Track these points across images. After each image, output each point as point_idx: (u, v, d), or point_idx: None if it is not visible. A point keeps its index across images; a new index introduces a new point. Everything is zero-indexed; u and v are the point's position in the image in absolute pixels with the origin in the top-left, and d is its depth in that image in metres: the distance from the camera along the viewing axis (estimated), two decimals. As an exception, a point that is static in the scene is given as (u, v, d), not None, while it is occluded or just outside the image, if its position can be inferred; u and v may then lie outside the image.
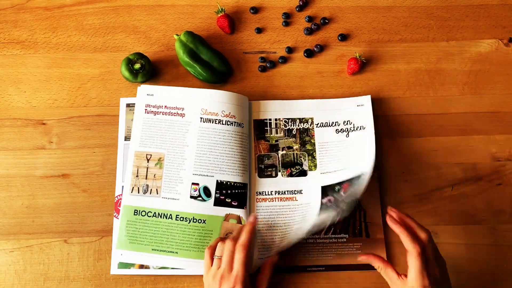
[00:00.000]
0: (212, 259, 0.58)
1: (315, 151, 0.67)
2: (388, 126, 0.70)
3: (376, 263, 0.58)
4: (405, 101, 0.71)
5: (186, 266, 0.61)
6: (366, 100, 0.69)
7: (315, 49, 0.73)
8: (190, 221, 0.62)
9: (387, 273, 0.56)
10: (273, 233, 0.63)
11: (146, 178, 0.64)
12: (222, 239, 0.59)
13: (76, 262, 0.63)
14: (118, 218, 0.64)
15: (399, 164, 0.68)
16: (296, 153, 0.67)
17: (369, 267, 0.60)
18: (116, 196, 0.65)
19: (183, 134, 0.65)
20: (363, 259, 0.59)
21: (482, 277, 0.63)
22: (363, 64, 0.72)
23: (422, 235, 0.54)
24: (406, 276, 0.53)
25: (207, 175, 0.64)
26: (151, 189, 0.64)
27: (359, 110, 0.69)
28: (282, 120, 0.68)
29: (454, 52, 0.73)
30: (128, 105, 0.69)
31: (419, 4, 0.76)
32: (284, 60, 0.72)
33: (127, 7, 0.75)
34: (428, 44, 0.74)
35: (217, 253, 0.57)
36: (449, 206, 0.66)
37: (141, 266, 0.62)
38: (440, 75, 0.72)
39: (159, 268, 0.62)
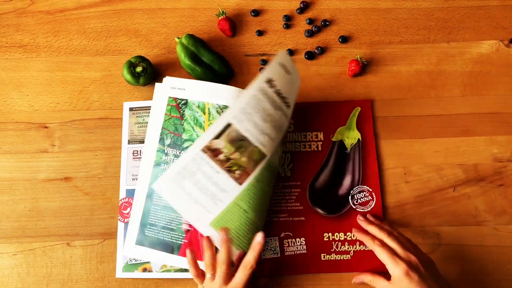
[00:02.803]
0: (200, 276, 0.57)
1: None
2: (389, 127, 0.70)
3: (366, 279, 0.60)
4: (406, 102, 0.71)
5: None
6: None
7: (316, 51, 0.73)
8: None
9: (377, 282, 0.58)
10: None
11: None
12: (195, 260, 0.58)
13: (79, 265, 0.63)
14: (123, 222, 0.64)
15: (400, 166, 0.68)
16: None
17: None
18: (120, 200, 0.65)
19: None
20: (356, 281, 0.62)
21: (484, 278, 0.63)
22: (364, 66, 0.72)
23: (380, 235, 0.59)
24: None
25: None
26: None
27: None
28: None
29: (455, 53, 0.74)
30: (131, 109, 0.69)
31: (419, 5, 0.76)
32: (285, 62, 0.73)
33: (129, 10, 0.75)
34: (428, 45, 0.74)
35: (207, 270, 0.56)
36: (451, 207, 0.66)
37: (144, 270, 0.62)
38: (441, 76, 0.72)
39: (162, 272, 0.62)
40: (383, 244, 0.57)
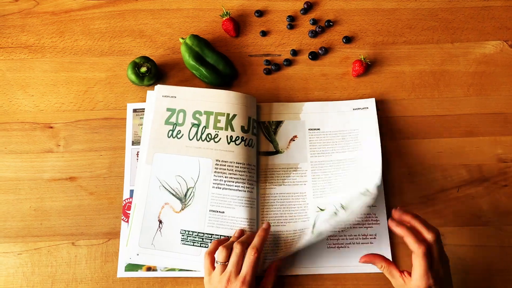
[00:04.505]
0: (212, 264, 0.58)
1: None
2: (393, 127, 0.70)
3: (379, 263, 0.57)
4: (410, 102, 0.71)
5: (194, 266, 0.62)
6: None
7: (319, 51, 0.73)
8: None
9: (390, 271, 0.56)
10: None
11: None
12: (222, 243, 0.58)
13: (83, 265, 0.64)
14: (126, 222, 0.64)
15: (404, 166, 0.68)
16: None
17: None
18: (124, 200, 0.66)
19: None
20: (365, 260, 0.58)
21: (488, 278, 0.63)
22: (367, 66, 0.72)
23: (429, 236, 0.53)
24: (409, 273, 0.53)
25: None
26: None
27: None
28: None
29: (458, 53, 0.74)
30: (135, 110, 0.69)
31: (423, 6, 0.76)
32: (289, 62, 0.73)
33: (133, 11, 0.76)
34: (432, 46, 0.74)
35: (219, 258, 0.57)
36: (455, 207, 0.66)
37: (148, 269, 0.62)
38: (445, 77, 0.72)
39: (166, 271, 0.62)
40: (425, 254, 0.52)
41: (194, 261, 0.61)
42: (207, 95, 0.67)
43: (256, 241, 0.57)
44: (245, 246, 0.57)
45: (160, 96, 0.67)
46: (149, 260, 0.62)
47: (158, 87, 0.67)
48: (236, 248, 0.56)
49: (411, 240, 0.52)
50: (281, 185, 0.66)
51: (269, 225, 0.61)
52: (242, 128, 0.65)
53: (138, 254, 0.61)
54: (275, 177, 0.66)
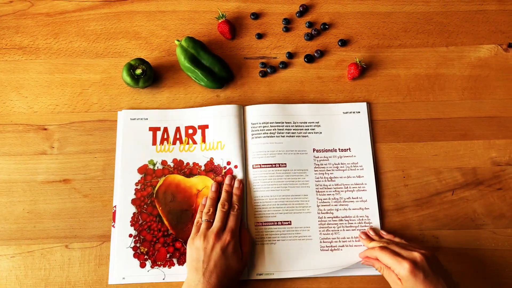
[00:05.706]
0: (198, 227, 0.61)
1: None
2: (388, 131, 0.70)
3: (377, 264, 0.59)
4: (405, 106, 0.71)
5: None
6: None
7: (315, 54, 0.73)
8: None
9: (389, 274, 0.56)
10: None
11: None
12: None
13: (77, 268, 0.63)
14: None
15: (399, 169, 0.68)
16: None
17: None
18: (114, 206, 0.65)
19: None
20: (365, 261, 0.61)
21: (482, 281, 0.63)
22: (363, 69, 0.72)
23: (382, 244, 0.58)
24: None
25: None
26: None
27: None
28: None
29: (453, 57, 0.74)
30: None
31: (418, 9, 0.77)
32: (285, 65, 0.73)
33: (129, 13, 0.76)
34: (427, 49, 0.74)
35: (206, 217, 0.61)
36: (450, 210, 0.66)
37: (142, 272, 0.62)
38: (440, 80, 0.73)
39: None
40: (385, 248, 0.57)
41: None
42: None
43: (235, 199, 0.63)
44: (229, 203, 0.63)
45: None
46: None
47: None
48: (224, 207, 0.62)
49: (368, 252, 0.60)
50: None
51: (232, 179, 0.65)
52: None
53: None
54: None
